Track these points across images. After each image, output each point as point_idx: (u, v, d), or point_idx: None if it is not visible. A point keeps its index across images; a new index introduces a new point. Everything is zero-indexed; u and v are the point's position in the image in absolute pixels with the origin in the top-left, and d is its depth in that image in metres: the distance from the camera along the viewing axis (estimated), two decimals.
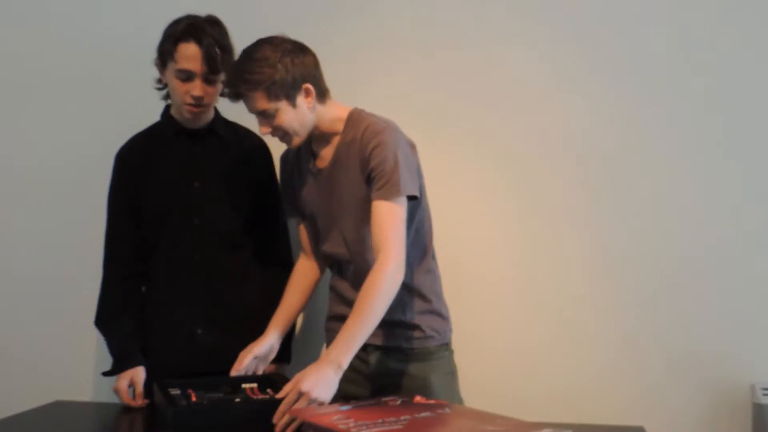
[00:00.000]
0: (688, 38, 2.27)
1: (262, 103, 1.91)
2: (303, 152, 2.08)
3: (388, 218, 1.87)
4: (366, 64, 2.17)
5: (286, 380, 1.97)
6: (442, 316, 2.08)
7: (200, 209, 2.18)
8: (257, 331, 2.15)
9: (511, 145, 2.36)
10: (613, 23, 2.30)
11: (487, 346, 2.38)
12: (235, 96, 1.95)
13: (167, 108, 2.24)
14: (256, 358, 2.06)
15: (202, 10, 2.12)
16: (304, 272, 2.18)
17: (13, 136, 2.71)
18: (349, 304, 1.93)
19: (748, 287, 2.25)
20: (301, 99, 1.93)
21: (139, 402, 2.10)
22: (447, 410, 1.69)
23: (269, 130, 1.96)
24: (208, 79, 2.08)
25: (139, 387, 2.09)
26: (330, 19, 2.45)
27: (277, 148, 2.32)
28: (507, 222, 2.37)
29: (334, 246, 2.04)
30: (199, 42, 2.04)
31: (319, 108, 1.98)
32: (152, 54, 2.13)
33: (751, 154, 2.24)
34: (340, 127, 2.00)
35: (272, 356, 2.12)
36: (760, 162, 2.24)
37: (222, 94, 2.07)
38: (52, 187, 2.67)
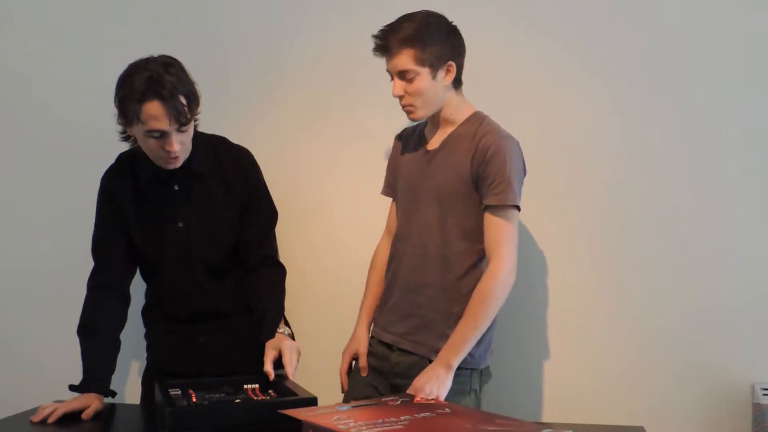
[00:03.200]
0: (696, 38, 2.26)
1: (408, 62, 1.94)
2: (417, 134, 2.13)
3: (503, 224, 1.94)
4: (367, 65, 2.16)
5: (288, 381, 1.96)
6: (484, 340, 2.00)
7: (189, 248, 2.15)
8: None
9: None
10: (628, 21, 2.30)
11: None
12: (383, 49, 1.97)
13: None
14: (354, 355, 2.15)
15: (201, 14, 2.10)
16: (386, 257, 2.18)
17: (16, 135, 2.72)
18: (390, 287, 2.10)
19: (748, 287, 2.24)
20: (441, 74, 1.97)
21: (43, 416, 1.98)
22: (447, 410, 1.69)
23: (402, 92, 1.97)
24: (180, 130, 1.98)
25: (89, 413, 2.00)
26: (330, 18, 2.45)
27: (264, 153, 2.31)
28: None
29: (404, 226, 2.09)
30: (162, 99, 1.91)
31: (451, 93, 2.02)
32: None
33: (752, 155, 2.24)
34: (459, 119, 2.04)
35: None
36: (761, 163, 2.24)
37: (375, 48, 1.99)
38: (52, 186, 2.68)
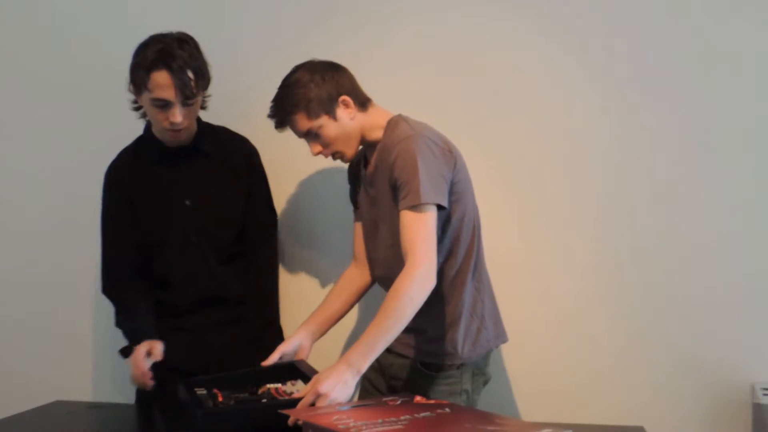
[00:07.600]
0: (693, 38, 2.26)
1: (305, 124, 1.95)
2: (362, 158, 2.10)
3: (415, 226, 1.82)
4: (368, 67, 2.16)
5: (311, 370, 1.94)
6: (469, 334, 1.98)
7: (196, 227, 2.17)
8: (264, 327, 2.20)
9: (516, 145, 2.35)
10: (621, 23, 2.29)
11: None
12: (279, 124, 1.99)
13: (149, 123, 2.20)
14: (282, 357, 2.00)
15: (198, 12, 2.10)
16: (350, 279, 2.14)
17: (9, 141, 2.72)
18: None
19: (748, 288, 2.24)
20: (341, 111, 1.95)
21: (147, 382, 2.00)
22: (447, 410, 1.69)
23: (320, 149, 1.98)
24: (185, 103, 2.04)
25: (157, 357, 2.01)
26: (333, 20, 2.45)
27: (264, 148, 2.33)
28: (512, 222, 2.36)
29: (374, 251, 2.04)
30: (170, 69, 1.99)
31: (361, 117, 1.98)
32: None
33: (751, 155, 2.24)
34: (380, 134, 1.98)
35: (302, 356, 2.05)
36: (759, 163, 2.24)
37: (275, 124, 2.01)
38: (51, 188, 2.67)
